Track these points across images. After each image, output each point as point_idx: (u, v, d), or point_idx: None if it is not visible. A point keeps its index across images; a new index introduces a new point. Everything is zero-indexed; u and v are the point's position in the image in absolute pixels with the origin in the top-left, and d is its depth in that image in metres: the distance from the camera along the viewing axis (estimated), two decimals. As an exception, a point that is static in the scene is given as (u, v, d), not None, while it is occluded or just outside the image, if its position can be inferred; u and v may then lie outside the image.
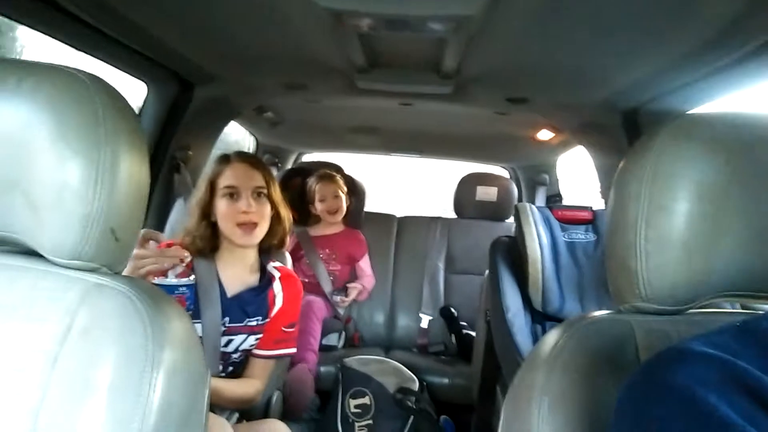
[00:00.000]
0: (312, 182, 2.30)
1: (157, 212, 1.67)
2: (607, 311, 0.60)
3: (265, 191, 1.28)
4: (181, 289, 1.17)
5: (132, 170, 0.59)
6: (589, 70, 1.33)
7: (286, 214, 1.34)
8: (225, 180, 1.26)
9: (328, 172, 2.32)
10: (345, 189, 2.31)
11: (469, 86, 1.52)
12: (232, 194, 1.25)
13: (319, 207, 2.27)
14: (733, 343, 0.38)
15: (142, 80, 1.52)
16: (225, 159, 1.29)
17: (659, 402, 0.37)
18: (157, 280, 1.12)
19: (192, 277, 1.17)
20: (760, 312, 0.45)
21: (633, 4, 0.92)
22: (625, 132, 1.61)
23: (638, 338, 0.54)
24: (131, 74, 1.46)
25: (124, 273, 1.03)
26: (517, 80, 1.47)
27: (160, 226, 1.63)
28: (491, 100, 1.68)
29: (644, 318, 0.56)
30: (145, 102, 1.58)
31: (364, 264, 2.34)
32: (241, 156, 1.31)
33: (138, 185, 0.61)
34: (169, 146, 1.67)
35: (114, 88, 0.60)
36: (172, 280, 1.14)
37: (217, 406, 1.18)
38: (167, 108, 1.62)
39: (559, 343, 0.56)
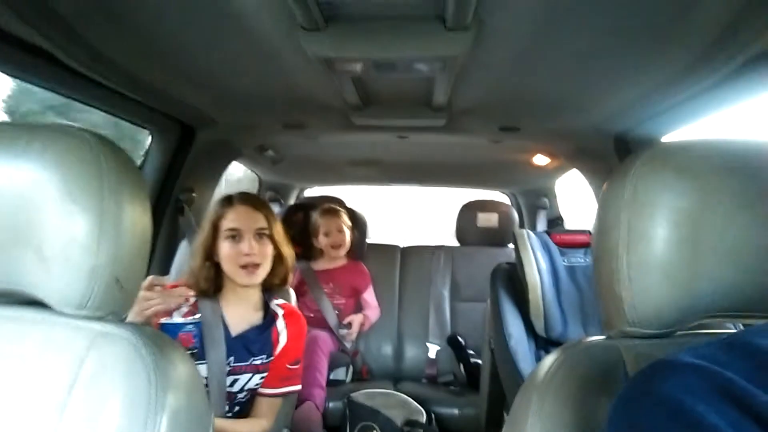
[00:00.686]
0: (316, 216, 2.32)
1: (162, 255, 1.71)
2: (600, 337, 0.62)
3: (267, 232, 1.30)
4: (188, 327, 1.20)
5: (135, 221, 0.62)
6: (576, 98, 1.37)
7: (289, 253, 1.36)
8: (228, 222, 1.28)
9: (333, 206, 2.34)
10: (349, 223, 2.33)
11: (462, 118, 1.55)
12: (235, 236, 1.27)
13: (323, 241, 2.28)
14: (721, 355, 0.39)
15: (145, 128, 1.58)
16: (227, 201, 1.32)
17: (648, 412, 0.38)
18: (164, 320, 1.15)
19: (198, 315, 1.19)
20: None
21: (614, 33, 0.96)
22: (617, 155, 1.64)
23: (627, 363, 0.55)
24: (134, 123, 1.52)
25: (130, 315, 1.07)
26: (507, 110, 1.51)
27: (165, 268, 1.66)
28: (484, 130, 1.72)
29: (632, 342, 0.57)
30: (149, 148, 1.63)
31: (369, 296, 2.34)
32: (244, 198, 1.33)
33: (141, 235, 0.64)
34: (173, 190, 1.72)
35: (116, 145, 0.63)
36: (179, 319, 1.16)
37: None
38: (171, 153, 1.67)
39: (551, 369, 0.57)
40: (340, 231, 2.28)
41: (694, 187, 0.53)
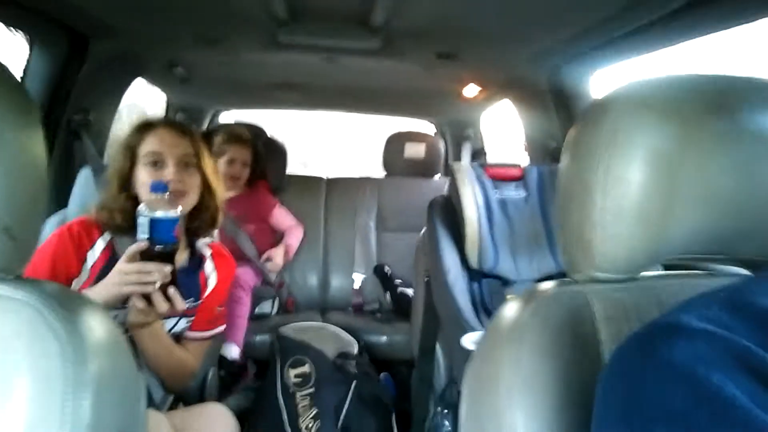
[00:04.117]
0: (222, 139, 2.03)
1: (57, 187, 1.49)
2: (560, 281, 0.60)
3: (194, 161, 1.15)
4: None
5: (25, 153, 0.49)
6: (515, 28, 1.34)
7: (219, 188, 1.22)
8: (147, 146, 1.12)
9: (243, 132, 2.09)
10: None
11: (398, 41, 1.46)
12: (156, 162, 1.11)
13: (222, 168, 2.00)
14: (726, 319, 0.36)
15: (24, 34, 1.31)
16: (147, 124, 1.15)
17: (657, 379, 0.34)
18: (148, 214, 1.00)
19: (180, 209, 1.03)
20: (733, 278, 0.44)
21: None
22: (549, 86, 1.66)
23: (595, 308, 0.54)
24: (10, 27, 1.25)
25: (103, 288, 0.98)
26: (446, 35, 1.44)
27: (62, 201, 1.45)
28: (420, 56, 1.64)
29: (599, 287, 0.56)
30: (29, 61, 1.36)
31: (281, 215, 2.21)
32: (167, 122, 1.17)
33: (34, 171, 0.51)
34: (65, 111, 1.48)
35: None
36: (169, 213, 1.00)
37: (152, 367, 1.11)
38: (58, 67, 1.42)
39: (522, 319, 0.55)
40: (245, 164, 2.06)
41: (674, 128, 0.51)
